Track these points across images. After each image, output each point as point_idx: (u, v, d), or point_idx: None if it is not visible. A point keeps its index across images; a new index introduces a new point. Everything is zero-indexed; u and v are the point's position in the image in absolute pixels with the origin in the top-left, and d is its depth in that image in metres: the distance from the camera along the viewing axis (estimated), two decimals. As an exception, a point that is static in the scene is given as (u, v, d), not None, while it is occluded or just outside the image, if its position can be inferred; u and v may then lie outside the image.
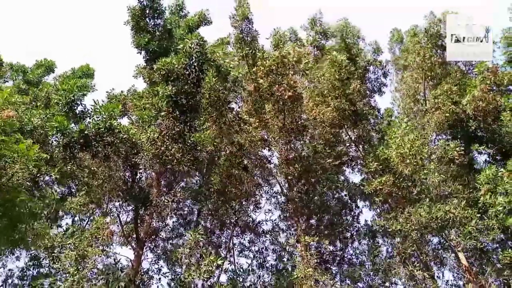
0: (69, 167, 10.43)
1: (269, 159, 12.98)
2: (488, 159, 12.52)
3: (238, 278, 11.96)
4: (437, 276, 12.00)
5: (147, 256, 12.77)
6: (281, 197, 13.95)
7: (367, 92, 15.20)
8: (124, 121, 13.27)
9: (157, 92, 10.77)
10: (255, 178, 12.36)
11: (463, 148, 10.88)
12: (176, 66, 10.57)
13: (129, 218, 12.76)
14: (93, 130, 9.41)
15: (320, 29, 15.66)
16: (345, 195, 14.05)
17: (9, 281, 12.88)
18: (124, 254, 12.44)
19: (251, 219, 13.27)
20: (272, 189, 14.04)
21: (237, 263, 12.99)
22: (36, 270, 12.89)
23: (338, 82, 12.20)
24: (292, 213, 12.24)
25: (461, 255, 10.67)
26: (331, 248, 12.87)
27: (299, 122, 11.70)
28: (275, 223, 13.80)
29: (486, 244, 10.51)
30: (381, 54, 16.91)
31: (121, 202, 12.02)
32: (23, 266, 13.05)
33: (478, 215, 9.91)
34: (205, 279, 9.34)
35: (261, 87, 10.75)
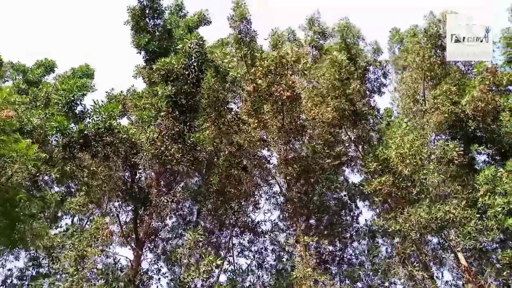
0: (68, 167, 10.43)
1: (268, 159, 13.00)
2: (487, 159, 12.53)
3: (237, 278, 11.96)
4: (436, 276, 12.02)
5: (146, 256, 12.78)
6: (280, 197, 13.97)
7: (367, 92, 15.22)
8: (124, 121, 13.30)
9: (157, 92, 10.77)
10: (254, 178, 12.36)
11: (462, 148, 10.89)
12: (175, 66, 10.57)
13: (129, 218, 12.76)
14: (92, 130, 9.40)
15: (318, 29, 15.69)
16: (345, 195, 14.06)
17: (8, 281, 12.87)
18: (124, 254, 12.45)
19: (250, 219, 13.28)
20: (272, 189, 14.07)
21: (236, 263, 13.01)
22: (36, 270, 12.89)
23: (338, 82, 12.20)
24: (291, 213, 12.24)
25: (460, 255, 10.67)
26: (330, 248, 12.88)
27: (298, 122, 11.71)
28: (274, 223, 13.81)
29: (485, 244, 10.51)
30: (381, 55, 16.96)
31: (120, 202, 12.03)
32: (22, 266, 13.06)
33: (478, 215, 9.90)
34: (205, 279, 9.33)
35: (260, 88, 10.75)
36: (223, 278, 11.85)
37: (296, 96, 10.92)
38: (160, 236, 13.53)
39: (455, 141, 11.31)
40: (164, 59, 10.78)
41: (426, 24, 13.60)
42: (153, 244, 13.30)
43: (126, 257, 11.53)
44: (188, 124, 11.07)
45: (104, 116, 9.58)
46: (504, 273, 9.85)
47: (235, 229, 13.21)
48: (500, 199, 9.38)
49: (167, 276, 12.52)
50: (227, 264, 12.49)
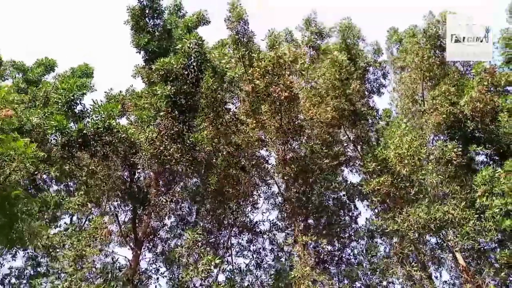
0: (67, 166, 10.45)
1: (267, 159, 13.01)
2: (485, 159, 12.55)
3: (236, 278, 11.96)
4: (435, 276, 12.03)
5: (145, 256, 12.79)
6: (278, 197, 13.98)
7: (365, 92, 15.24)
8: (123, 121, 13.32)
9: (156, 92, 10.79)
10: (252, 178, 12.38)
11: (460, 149, 10.90)
12: (175, 66, 10.59)
13: (127, 218, 12.78)
14: (92, 129, 9.42)
15: (315, 29, 15.74)
16: (343, 195, 14.08)
17: (7, 280, 12.87)
18: (122, 254, 12.46)
19: (248, 219, 13.29)
20: (270, 189, 14.08)
21: (235, 263, 13.02)
22: (34, 270, 12.89)
23: (338, 82, 12.22)
24: (290, 213, 12.25)
25: (458, 255, 10.68)
26: (329, 248, 12.89)
27: (296, 122, 11.73)
28: (272, 223, 13.83)
29: (484, 244, 10.52)
30: (381, 56, 17.02)
31: (119, 202, 12.04)
32: (20, 265, 13.05)
33: (476, 216, 9.91)
34: (203, 279, 9.34)
35: (258, 88, 10.78)
36: (221, 278, 11.87)
37: (294, 96, 10.94)
38: (158, 236, 13.54)
39: (454, 142, 11.32)
40: (163, 59, 10.80)
41: (425, 25, 13.63)
42: (151, 244, 13.31)
43: (125, 257, 11.55)
44: (187, 124, 11.09)
45: (103, 116, 9.60)
46: (502, 273, 9.85)
47: (234, 229, 13.22)
48: (498, 200, 9.38)
49: (166, 276, 12.52)
50: (226, 264, 12.51)
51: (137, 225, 11.79)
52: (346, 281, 12.34)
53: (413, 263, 10.74)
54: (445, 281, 12.53)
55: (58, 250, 10.06)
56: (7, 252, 12.36)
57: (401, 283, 11.47)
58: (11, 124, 6.15)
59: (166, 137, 10.66)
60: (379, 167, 11.53)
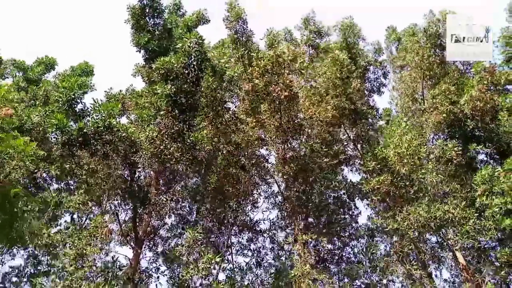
0: (68, 165, 10.46)
1: (267, 158, 13.03)
2: (485, 158, 12.56)
3: (236, 277, 11.98)
4: (435, 275, 12.05)
5: (145, 255, 12.81)
6: (277, 196, 14.00)
7: (366, 91, 15.25)
8: (123, 120, 13.32)
9: (156, 91, 10.79)
10: (252, 177, 12.39)
11: (461, 148, 10.91)
12: (175, 65, 10.58)
13: (128, 217, 12.79)
14: (92, 128, 9.43)
15: (314, 28, 15.77)
16: (343, 194, 14.10)
17: (7, 278, 12.89)
18: (123, 252, 12.47)
19: (249, 218, 13.31)
20: (270, 188, 14.10)
21: (235, 261, 13.04)
22: (35, 268, 12.92)
23: (339, 81, 12.23)
24: (290, 212, 12.27)
25: (458, 254, 10.70)
26: (329, 246, 12.91)
27: (296, 121, 11.73)
28: (272, 222, 13.85)
29: (484, 243, 10.52)
30: (382, 55, 17.04)
31: (120, 201, 12.05)
32: (21, 264, 13.08)
33: (476, 214, 9.92)
34: (204, 277, 9.36)
35: (257, 87, 10.78)
36: (222, 276, 11.89)
37: (294, 95, 10.94)
38: (159, 235, 13.56)
39: (454, 141, 11.33)
40: (163, 58, 10.80)
41: (426, 23, 13.63)
42: (152, 243, 13.32)
43: (125, 256, 11.56)
44: (187, 123, 11.09)
45: (103, 115, 9.61)
46: (502, 271, 9.86)
47: (234, 228, 13.24)
48: (498, 199, 9.38)
49: (166, 275, 12.54)
50: (226, 263, 12.53)
51: (137, 224, 11.81)
52: (346, 280, 12.36)
53: (413, 262, 10.75)
54: (445, 280, 12.57)
55: (58, 248, 10.08)
56: (7, 251, 12.38)
57: (401, 282, 11.50)
58: (11, 123, 6.16)
59: (166, 136, 10.67)
60: (379, 166, 11.54)
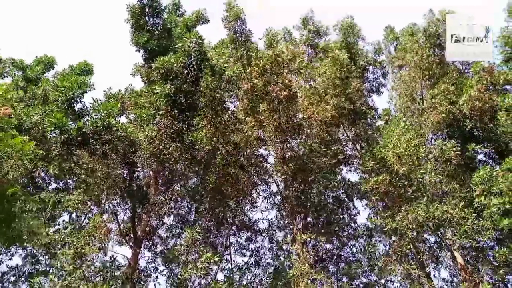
0: (67, 164, 10.45)
1: (266, 158, 13.04)
2: (484, 158, 12.57)
3: (234, 277, 11.98)
4: (433, 275, 12.06)
5: (144, 254, 12.81)
6: (276, 196, 14.00)
7: (364, 92, 15.25)
8: (122, 120, 13.31)
9: (156, 91, 10.78)
10: (251, 177, 12.39)
11: (459, 148, 10.92)
12: (174, 64, 10.57)
13: (127, 217, 12.79)
14: (91, 127, 9.42)
15: (313, 28, 15.78)
16: (342, 193, 14.11)
17: (5, 277, 12.88)
18: (122, 252, 12.47)
19: (247, 217, 13.31)
20: (269, 188, 14.11)
21: (234, 261, 13.04)
22: (33, 267, 12.90)
23: (338, 81, 12.23)
24: (289, 212, 12.28)
25: (457, 254, 10.71)
26: (328, 246, 12.92)
27: (295, 121, 11.73)
28: (271, 222, 13.85)
29: (482, 242, 10.53)
30: (382, 55, 17.05)
31: (118, 200, 12.04)
32: (17, 264, 13.05)
33: (475, 214, 9.93)
34: (202, 276, 9.36)
35: (256, 87, 10.78)
36: (220, 276, 11.89)
37: (293, 95, 10.94)
38: (158, 235, 13.56)
39: (453, 140, 11.34)
40: (163, 57, 10.78)
41: (425, 23, 13.63)
42: (151, 243, 13.33)
43: (124, 255, 11.56)
44: (186, 123, 11.07)
45: (103, 114, 9.60)
46: (501, 271, 9.87)
47: (233, 227, 13.24)
48: (496, 200, 9.39)
49: (165, 274, 12.54)
50: (225, 262, 12.53)
51: (136, 223, 11.80)
52: (344, 279, 12.38)
53: (411, 262, 10.76)
54: (444, 279, 12.57)
55: (57, 248, 10.07)
56: (5, 250, 12.37)
57: (400, 281, 11.51)
58: (10, 122, 6.15)
59: (165, 135, 10.66)
60: (378, 166, 11.55)
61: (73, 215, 12.87)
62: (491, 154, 12.54)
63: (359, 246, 13.49)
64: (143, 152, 10.62)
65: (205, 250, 9.69)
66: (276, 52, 10.67)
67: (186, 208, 14.06)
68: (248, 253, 13.56)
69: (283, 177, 12.26)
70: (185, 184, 13.63)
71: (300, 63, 11.10)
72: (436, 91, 12.43)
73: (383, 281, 11.96)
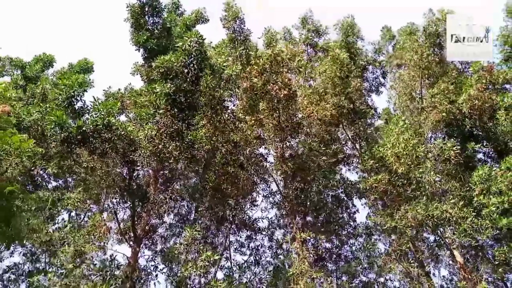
0: (66, 162, 10.45)
1: (265, 157, 13.05)
2: (483, 157, 12.59)
3: (234, 275, 12.00)
4: (433, 273, 12.08)
5: (144, 253, 12.82)
6: (276, 195, 14.01)
7: (364, 91, 15.27)
8: (122, 119, 13.29)
9: (155, 90, 10.78)
10: (251, 176, 12.40)
11: (459, 147, 10.93)
12: (175, 63, 10.57)
13: (126, 215, 12.79)
14: (91, 126, 9.42)
15: (312, 27, 15.82)
16: (341, 192, 14.13)
17: (5, 276, 12.88)
18: (121, 251, 12.48)
19: (247, 216, 13.32)
20: (269, 187, 14.12)
21: (233, 260, 13.06)
22: (33, 265, 12.90)
23: (338, 80, 12.24)
24: (288, 211, 12.29)
25: (456, 253, 10.72)
26: (327, 245, 12.94)
27: (294, 120, 11.74)
28: (271, 220, 13.87)
29: (481, 241, 10.54)
30: (381, 55, 17.07)
31: (118, 199, 12.04)
32: (14, 262, 13.04)
33: (474, 213, 9.94)
34: (202, 274, 9.37)
35: (256, 86, 10.79)
36: (220, 275, 11.90)
37: (292, 93, 10.95)
38: (157, 233, 13.56)
39: (452, 139, 11.35)
40: (163, 56, 10.79)
41: (425, 22, 13.64)
42: (150, 241, 13.33)
43: (124, 254, 11.57)
44: (186, 122, 11.07)
45: (103, 113, 9.60)
46: (500, 269, 9.89)
47: (232, 226, 13.25)
48: (495, 199, 9.40)
49: (164, 273, 12.55)
50: (224, 261, 12.54)
51: (136, 222, 11.80)
52: (344, 278, 12.40)
53: (411, 260, 10.77)
54: (443, 276, 12.58)
55: (57, 246, 10.08)
56: (5, 248, 12.37)
57: (399, 280, 11.53)
58: (8, 122, 6.13)
59: (165, 134, 10.66)
60: (377, 165, 11.56)
61: (73, 214, 12.87)
62: (490, 153, 12.55)
63: (359, 245, 13.51)
64: (142, 151, 10.62)
65: (205, 249, 9.70)
66: (275, 51, 10.69)
67: (186, 207, 14.06)
68: (248, 252, 13.58)
69: (282, 176, 12.28)
70: (185, 183, 13.63)
71: (299, 62, 11.11)
72: (436, 90, 12.45)
73: (382, 279, 11.99)
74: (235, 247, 13.58)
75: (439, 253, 12.17)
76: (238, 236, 13.71)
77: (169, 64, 10.55)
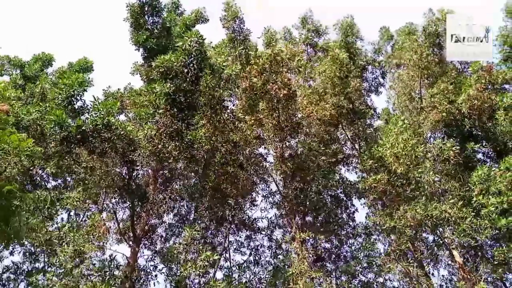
0: (66, 162, 10.44)
1: (265, 156, 13.05)
2: (482, 157, 12.60)
3: (233, 275, 12.00)
4: (432, 274, 12.08)
5: (143, 253, 12.81)
6: (275, 195, 14.02)
7: (363, 91, 15.29)
8: (121, 119, 13.29)
9: (155, 90, 10.77)
10: (251, 175, 12.40)
11: (458, 147, 10.94)
12: (175, 63, 10.57)
13: (126, 215, 12.79)
14: (90, 126, 9.42)
15: (312, 27, 15.84)
16: (341, 192, 14.15)
17: (4, 275, 12.86)
18: (121, 251, 12.47)
19: (247, 216, 13.33)
20: (269, 187, 14.13)
21: (233, 260, 13.06)
22: (32, 265, 12.89)
23: (338, 80, 12.25)
24: (288, 211, 12.29)
25: (455, 253, 10.73)
26: (327, 245, 12.94)
27: (294, 120, 11.74)
28: (270, 220, 13.87)
29: (481, 241, 10.54)
30: (381, 55, 17.08)
31: (117, 199, 12.04)
32: (17, 260, 13.04)
33: (473, 213, 9.94)
34: (201, 274, 9.37)
35: (255, 86, 10.79)
36: (219, 275, 11.90)
37: (292, 93, 10.95)
38: (157, 233, 13.56)
39: (451, 139, 11.36)
40: (163, 56, 10.78)
41: (425, 22, 13.65)
42: (150, 241, 13.33)
43: (123, 254, 11.56)
44: (185, 121, 11.07)
45: (102, 113, 9.60)
46: (500, 269, 9.89)
47: (232, 226, 13.25)
48: (494, 199, 9.40)
49: (164, 273, 12.54)
50: (223, 261, 12.54)
51: (135, 222, 11.80)
52: (343, 278, 12.40)
53: (410, 260, 10.78)
54: (443, 275, 12.58)
55: (56, 246, 10.06)
56: (4, 248, 12.35)
57: (398, 280, 11.53)
58: (7, 120, 6.12)
59: (164, 134, 10.66)
60: (376, 165, 11.57)
61: (72, 214, 12.85)
62: (490, 153, 12.56)
63: (358, 245, 13.52)
64: (142, 150, 10.62)
65: (204, 249, 9.70)
66: (275, 51, 10.69)
67: (185, 207, 14.06)
68: (247, 252, 13.59)
69: (282, 176, 12.28)
70: (185, 183, 13.63)
71: (299, 61, 11.11)
72: (435, 90, 12.46)
73: (381, 279, 12.00)
74: (234, 247, 13.58)
75: (438, 253, 12.17)
76: (237, 236, 13.72)
77: (169, 63, 10.55)
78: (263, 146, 12.94)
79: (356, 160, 14.03)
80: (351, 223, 13.97)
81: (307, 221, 12.87)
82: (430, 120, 12.19)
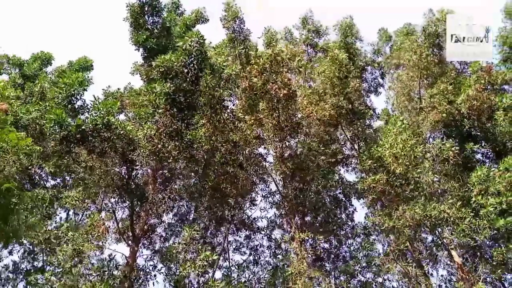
0: (65, 161, 10.44)
1: (265, 156, 13.06)
2: (482, 158, 12.61)
3: (233, 275, 12.00)
4: (431, 274, 12.09)
5: (142, 252, 12.81)
6: (275, 195, 14.02)
7: (363, 92, 15.31)
8: (121, 118, 13.29)
9: (155, 90, 10.77)
10: (250, 175, 12.41)
11: (458, 148, 10.95)
12: (175, 63, 10.57)
13: (125, 215, 12.78)
14: (90, 125, 9.42)
15: (312, 27, 15.87)
16: (340, 192, 14.16)
17: (3, 275, 12.85)
18: (120, 250, 12.47)
19: (246, 216, 13.33)
20: (268, 187, 14.13)
21: (232, 259, 13.06)
22: (31, 264, 12.88)
23: (337, 80, 12.27)
24: (287, 211, 12.30)
25: (454, 253, 10.74)
26: (326, 245, 12.95)
27: (293, 120, 11.76)
28: (270, 220, 13.88)
29: (479, 241, 10.55)
30: (380, 56, 17.10)
31: (117, 198, 12.03)
32: (16, 259, 13.04)
33: (472, 214, 9.95)
34: (200, 274, 9.37)
35: (255, 86, 10.81)
36: (218, 275, 11.90)
37: (292, 93, 10.97)
38: (156, 233, 13.56)
39: (450, 140, 11.37)
40: (163, 56, 10.79)
41: (425, 22, 13.67)
42: (149, 241, 13.32)
43: (122, 254, 11.56)
44: (185, 121, 11.07)
45: (102, 112, 9.60)
46: (498, 270, 9.90)
47: (231, 226, 13.25)
48: (493, 199, 9.41)
49: (163, 273, 12.53)
50: (223, 261, 12.54)
51: (134, 221, 11.79)
52: (342, 278, 12.41)
53: (409, 260, 10.79)
54: (442, 275, 12.59)
55: (55, 245, 10.06)
56: (2, 247, 12.34)
57: (397, 280, 11.54)
58: (6, 120, 6.12)
59: (164, 134, 10.67)
60: (375, 165, 11.58)
61: (71, 213, 12.85)
62: (489, 153, 12.58)
63: (357, 245, 13.53)
64: (142, 150, 10.62)
65: (203, 249, 9.70)
66: (275, 51, 10.71)
67: (185, 207, 14.06)
68: (246, 251, 13.58)
69: (281, 176, 12.30)
70: (184, 183, 13.63)
71: (299, 62, 11.13)
72: (435, 90, 12.47)
73: (380, 279, 12.00)
74: (234, 246, 13.58)
75: (437, 253, 12.18)
76: (237, 235, 13.72)
77: (169, 63, 10.55)
78: (263, 146, 12.95)
79: (356, 160, 14.05)
80: (350, 223, 13.99)
81: (306, 221, 12.88)
82: (430, 120, 12.21)
